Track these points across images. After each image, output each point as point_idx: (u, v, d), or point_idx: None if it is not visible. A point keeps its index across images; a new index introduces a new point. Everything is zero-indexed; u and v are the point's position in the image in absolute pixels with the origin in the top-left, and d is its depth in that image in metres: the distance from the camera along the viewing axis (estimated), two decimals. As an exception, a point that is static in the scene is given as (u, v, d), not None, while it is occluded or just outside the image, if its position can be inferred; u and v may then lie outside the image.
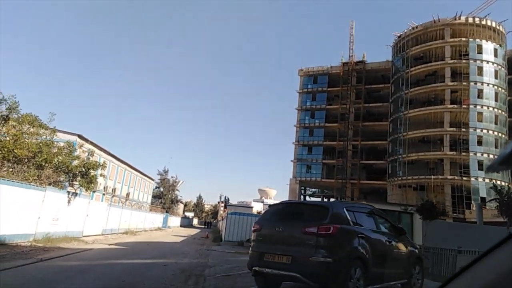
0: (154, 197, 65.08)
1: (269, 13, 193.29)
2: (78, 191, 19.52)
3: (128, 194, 43.36)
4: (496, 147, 42.27)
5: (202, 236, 34.03)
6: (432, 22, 47.67)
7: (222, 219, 36.30)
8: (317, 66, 61.90)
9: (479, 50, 44.89)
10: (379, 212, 7.70)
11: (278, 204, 8.34)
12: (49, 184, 16.54)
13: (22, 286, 7.54)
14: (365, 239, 6.50)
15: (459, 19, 45.95)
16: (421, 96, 47.62)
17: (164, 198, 69.16)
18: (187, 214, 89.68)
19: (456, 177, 41.93)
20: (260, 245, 6.97)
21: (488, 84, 44.18)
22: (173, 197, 72.66)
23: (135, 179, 47.83)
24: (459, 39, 45.62)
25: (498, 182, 33.92)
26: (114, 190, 37.52)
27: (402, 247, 7.71)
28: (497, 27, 46.00)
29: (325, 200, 53.81)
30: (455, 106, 44.22)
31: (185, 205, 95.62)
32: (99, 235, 22.84)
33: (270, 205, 8.25)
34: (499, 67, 45.06)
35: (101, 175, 21.17)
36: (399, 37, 51.57)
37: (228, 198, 68.75)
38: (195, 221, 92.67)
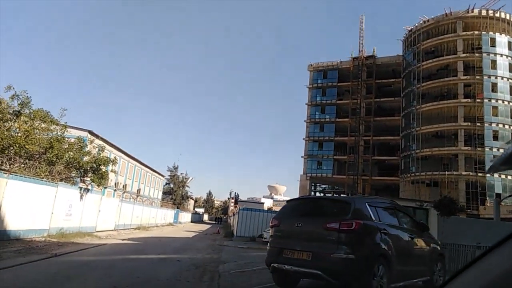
0: (164, 193, 65.38)
1: (278, 8, 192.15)
2: (89, 187, 19.55)
3: (139, 190, 43.51)
4: (513, 142, 41.46)
5: (213, 232, 34.06)
6: (444, 15, 46.80)
7: (234, 215, 36.25)
8: (326, 61, 61.34)
9: (493, 43, 43.96)
10: (401, 208, 7.44)
11: (297, 199, 8.13)
12: (61, 180, 16.55)
13: (36, 281, 7.46)
14: (388, 236, 6.24)
15: (472, 12, 45.00)
16: (433, 90, 46.83)
17: (174, 194, 69.43)
18: (197, 210, 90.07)
19: (471, 173, 41.18)
20: (278, 241, 6.77)
21: (502, 78, 43.24)
22: (183, 193, 72.92)
23: (146, 175, 47.99)
24: (472, 32, 44.69)
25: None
26: (125, 186, 37.64)
27: (424, 243, 7.45)
28: (511, 20, 44.97)
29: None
30: (469, 100, 43.40)
31: (196, 201, 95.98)
32: (112, 230, 22.95)
33: (288, 200, 8.01)
34: (513, 60, 44.05)
35: (112, 171, 21.15)
36: (410, 31, 50.76)
37: (237, 195, 68.82)
38: (206, 217, 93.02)
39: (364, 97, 56.12)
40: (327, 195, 57.48)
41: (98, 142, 21.22)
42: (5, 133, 14.61)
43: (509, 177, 36.16)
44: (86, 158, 18.61)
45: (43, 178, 15.15)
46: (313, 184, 61.26)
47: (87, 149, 19.26)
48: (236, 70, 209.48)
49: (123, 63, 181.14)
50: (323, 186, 65.16)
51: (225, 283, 8.19)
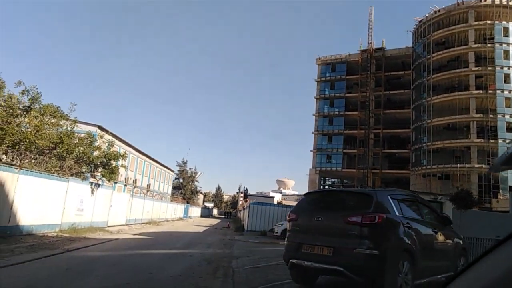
0: (174, 188, 65.57)
1: (285, 1, 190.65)
2: (100, 182, 19.52)
3: (149, 185, 43.58)
4: (527, 134, 40.72)
5: (223, 226, 34.02)
6: (455, 5, 45.86)
7: (244, 209, 36.15)
8: (334, 54, 60.72)
9: (506, 33, 43.00)
10: (423, 201, 7.15)
11: (315, 192, 7.86)
12: (71, 175, 16.52)
13: (48, 277, 7.36)
14: (411, 230, 5.96)
15: (485, 0, 44.08)
16: (444, 82, 46.14)
17: (184, 189, 69.64)
18: (207, 204, 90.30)
19: (484, 166, 40.48)
20: (297, 236, 6.52)
21: (515, 68, 42.38)
22: (193, 188, 73.11)
23: (155, 170, 48.03)
24: (484, 22, 43.73)
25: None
26: (135, 181, 37.69)
27: (448, 238, 7.16)
28: (526, 8, 43.95)
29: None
30: (481, 91, 42.63)
31: (205, 196, 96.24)
32: (123, 225, 22.99)
33: (305, 194, 7.74)
34: (527, 50, 43.11)
35: (122, 165, 21.09)
36: (420, 22, 49.93)
37: (246, 189, 68.73)
38: (215, 211, 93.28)
39: (373, 90, 55.52)
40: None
41: (107, 137, 21.13)
42: (16, 128, 14.58)
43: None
44: (96, 153, 18.56)
45: (53, 173, 15.11)
46: (322, 178, 60.93)
47: (96, 144, 19.20)
48: (242, 64, 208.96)
49: (129, 61, 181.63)
50: (332, 180, 64.76)
51: (240, 279, 7.98)
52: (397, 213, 6.01)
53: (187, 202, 60.87)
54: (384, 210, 5.83)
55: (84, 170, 18.31)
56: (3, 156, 14.41)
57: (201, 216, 66.68)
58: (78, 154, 17.34)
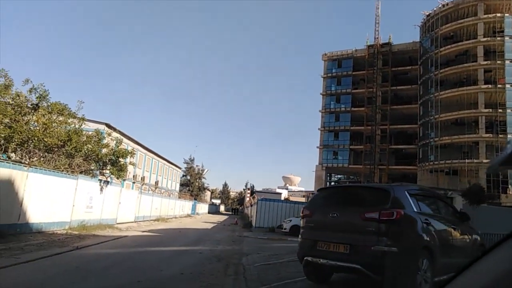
0: (181, 185, 65.66)
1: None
2: (109, 179, 19.53)
3: (157, 182, 43.62)
4: (537, 128, 40.16)
5: (231, 223, 33.96)
6: (464, -2, 45.30)
7: (251, 206, 36.09)
8: (341, 50, 60.34)
9: (516, 25, 42.41)
10: (440, 196, 6.98)
11: (330, 187, 7.73)
12: (80, 173, 16.51)
13: (58, 275, 7.31)
14: (430, 226, 5.80)
15: (494, -7, 43.48)
16: (452, 76, 45.57)
17: (191, 186, 69.75)
18: (214, 201, 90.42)
19: (492, 161, 40.04)
20: (312, 232, 6.37)
21: (525, 62, 41.76)
22: (200, 185, 73.17)
23: (163, 168, 48.07)
24: (494, 15, 43.03)
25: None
26: (143, 178, 37.74)
27: (466, 234, 6.98)
28: (537, 0, 43.30)
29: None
30: (490, 86, 42.06)
31: (212, 193, 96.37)
32: (132, 222, 23.02)
33: (319, 189, 7.56)
34: (538, 43, 42.46)
35: (130, 163, 21.11)
36: (427, 16, 49.33)
37: (253, 185, 68.69)
38: (222, 208, 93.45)
39: (380, 85, 55.08)
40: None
41: (115, 134, 21.15)
42: (24, 126, 14.58)
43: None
44: (104, 151, 18.56)
45: (63, 170, 15.11)
46: (328, 174, 60.71)
47: (105, 141, 19.20)
48: (250, 61, 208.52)
49: (136, 59, 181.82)
50: (338, 176, 64.50)
51: (252, 277, 7.86)
52: (415, 209, 5.83)
53: (195, 199, 60.93)
54: (402, 205, 5.65)
55: (93, 167, 18.32)
56: (12, 154, 14.42)
57: (209, 212, 66.76)
58: (86, 151, 17.34)
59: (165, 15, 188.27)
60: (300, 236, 6.69)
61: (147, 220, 26.39)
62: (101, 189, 18.15)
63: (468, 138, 42.73)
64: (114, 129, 25.05)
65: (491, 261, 1.25)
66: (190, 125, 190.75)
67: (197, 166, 73.81)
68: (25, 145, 14.48)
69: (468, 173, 41.24)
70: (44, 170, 13.69)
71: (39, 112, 15.56)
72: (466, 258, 6.80)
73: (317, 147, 59.17)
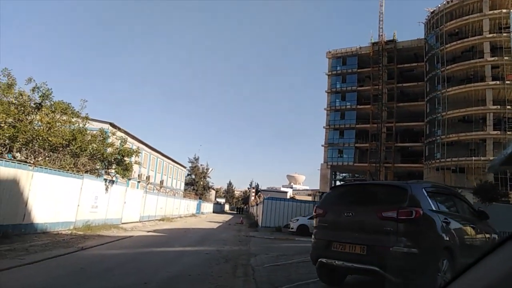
0: (186, 184, 65.56)
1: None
2: (114, 179, 19.38)
3: (161, 182, 43.48)
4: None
5: (236, 222, 33.79)
6: (469, -6, 44.80)
7: (257, 205, 35.90)
8: (345, 48, 59.95)
9: (522, 21, 41.85)
10: (458, 194, 6.69)
11: (344, 185, 7.36)
12: (86, 172, 16.37)
13: (62, 277, 7.15)
14: (450, 225, 5.55)
15: (500, -11, 42.94)
16: (458, 73, 45.08)
17: (196, 185, 69.66)
18: (218, 200, 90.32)
19: (500, 159, 39.50)
20: (325, 233, 6.10)
21: (533, 57, 41.18)
22: (205, 184, 73.06)
23: (168, 167, 47.92)
24: (499, 11, 42.46)
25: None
26: (148, 177, 37.62)
27: (485, 233, 6.71)
28: (543, -5, 42.69)
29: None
30: (498, 82, 41.48)
31: (216, 192, 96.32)
32: (137, 222, 22.89)
33: (332, 187, 7.28)
34: (545, 38, 41.87)
35: (135, 162, 20.93)
36: (432, 13, 48.91)
37: (257, 184, 68.51)
38: (227, 207, 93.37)
39: (385, 82, 54.64)
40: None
41: (119, 134, 20.99)
42: (28, 126, 14.44)
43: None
44: (109, 150, 18.41)
45: (68, 170, 14.97)
46: (333, 172, 60.39)
47: (109, 140, 19.05)
48: (254, 60, 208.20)
49: (138, 59, 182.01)
50: (343, 174, 64.17)
51: (262, 279, 7.63)
52: (433, 208, 5.58)
53: (200, 198, 60.81)
54: (420, 204, 5.38)
55: (98, 167, 18.17)
56: (18, 154, 14.28)
57: (213, 212, 66.65)
58: (91, 151, 17.19)
59: (171, 15, 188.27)
60: (313, 236, 6.43)
61: (152, 220, 26.26)
62: (106, 189, 18.00)
63: (476, 136, 42.24)
64: (119, 128, 24.92)
65: (491, 262, 1.25)
66: (192, 125, 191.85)
67: (201, 165, 73.80)
68: (30, 144, 14.34)
69: (475, 170, 40.78)
70: (49, 169, 13.55)
71: (43, 111, 15.40)
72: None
73: (322, 145, 58.87)
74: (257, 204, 36.21)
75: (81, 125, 17.22)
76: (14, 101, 14.73)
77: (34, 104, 15.28)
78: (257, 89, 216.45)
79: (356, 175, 61.43)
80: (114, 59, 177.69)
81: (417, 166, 50.19)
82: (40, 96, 15.37)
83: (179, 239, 16.39)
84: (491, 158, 39.94)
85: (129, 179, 24.66)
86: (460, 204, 6.59)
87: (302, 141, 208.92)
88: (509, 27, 41.92)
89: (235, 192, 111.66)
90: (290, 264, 9.69)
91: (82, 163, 16.29)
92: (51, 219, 13.64)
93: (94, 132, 18.45)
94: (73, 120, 16.78)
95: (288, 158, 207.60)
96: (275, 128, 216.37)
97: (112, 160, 18.49)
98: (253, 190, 64.70)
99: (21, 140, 13.91)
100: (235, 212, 77.96)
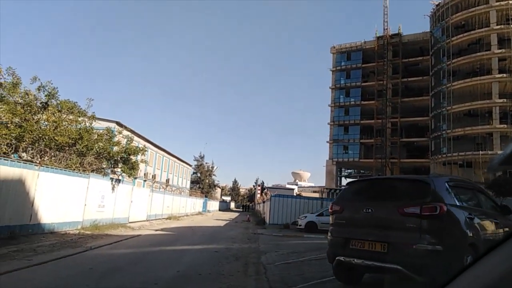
0: (192, 182, 65.55)
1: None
2: (120, 178, 19.27)
3: (167, 180, 43.40)
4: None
5: (243, 220, 33.69)
6: (475, -15, 44.29)
7: (263, 202, 35.73)
8: (349, 43, 59.49)
9: (530, 12, 41.30)
10: (480, 188, 6.44)
11: (361, 180, 7.14)
12: (92, 171, 16.25)
13: (71, 277, 7.02)
14: (474, 221, 5.34)
15: (506, -20, 42.37)
16: (464, 66, 44.63)
17: (202, 183, 69.67)
18: (224, 198, 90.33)
19: (508, 152, 39.08)
20: (343, 230, 5.90)
21: (541, 49, 40.64)
22: (210, 182, 73.05)
23: (173, 165, 47.80)
24: (506, 2, 41.93)
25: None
26: (154, 176, 37.51)
27: (508, 229, 6.50)
28: (551, -14, 42.09)
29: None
30: (504, 75, 41.11)
31: (222, 190, 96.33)
32: (144, 221, 22.80)
33: (349, 183, 7.02)
34: (553, 30, 41.31)
35: (142, 161, 20.82)
36: (437, 5, 48.49)
37: (263, 182, 68.32)
38: (232, 205, 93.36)
39: (390, 77, 54.31)
40: (348, 180, 56.19)
41: (125, 133, 20.87)
42: (34, 125, 14.34)
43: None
44: (116, 148, 18.28)
45: (74, 169, 14.85)
46: (339, 169, 60.14)
47: (115, 139, 18.93)
48: (258, 57, 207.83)
49: (141, 59, 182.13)
50: (349, 170, 63.88)
51: (274, 277, 7.45)
52: (457, 203, 5.37)
53: (206, 196, 60.78)
54: (444, 199, 5.17)
55: (104, 166, 18.06)
56: (24, 154, 14.17)
57: (220, 210, 66.66)
58: (98, 150, 17.07)
59: (175, 15, 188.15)
60: (329, 234, 6.22)
61: (159, 219, 26.19)
62: (113, 188, 17.89)
63: (482, 130, 41.92)
64: (125, 127, 24.79)
65: (491, 261, 1.23)
66: (195, 123, 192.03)
67: (206, 163, 73.74)
68: (36, 144, 14.23)
69: (482, 165, 40.40)
70: (55, 169, 13.44)
71: (49, 111, 15.29)
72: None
73: (327, 141, 58.66)
74: (263, 202, 36.03)
75: (87, 124, 17.10)
76: (20, 101, 14.61)
77: (40, 103, 15.17)
78: (260, 86, 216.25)
79: (361, 171, 61.17)
80: (113, 59, 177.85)
81: (423, 161, 49.98)
82: (46, 95, 15.26)
83: (187, 237, 16.26)
84: (499, 152, 39.45)
85: (135, 178, 24.54)
86: (483, 198, 6.36)
87: (306, 138, 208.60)
88: (516, 19, 41.43)
89: (240, 190, 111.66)
90: (302, 262, 9.51)
91: (88, 162, 16.18)
92: (58, 219, 13.55)
93: (101, 131, 18.32)
94: (79, 119, 16.67)
95: (292, 156, 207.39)
96: (279, 125, 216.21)
97: (118, 158, 18.38)
98: (259, 188, 64.44)
99: (27, 139, 13.81)
100: (241, 210, 77.87)
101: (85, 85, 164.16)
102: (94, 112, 17.57)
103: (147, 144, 33.93)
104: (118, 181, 18.56)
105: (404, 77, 54.00)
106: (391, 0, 75.12)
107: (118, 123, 24.99)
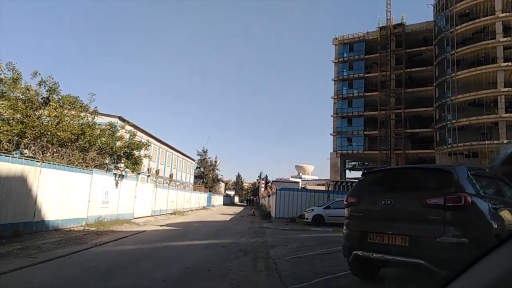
0: (196, 177, 65.47)
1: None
2: (124, 173, 19.06)
3: (171, 175, 43.26)
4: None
5: (248, 214, 33.53)
6: (480, -28, 43.53)
7: (268, 196, 35.51)
8: (352, 34, 58.91)
9: (536, -1, 40.67)
10: (502, 178, 6.14)
11: (379, 171, 6.70)
12: (95, 167, 16.05)
13: (77, 275, 6.85)
14: (498, 211, 5.06)
15: (511, -34, 41.66)
16: (469, 56, 44.05)
17: (205, 178, 69.58)
18: (228, 192, 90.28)
19: (514, 141, 38.75)
20: (360, 223, 5.62)
21: (547, 37, 40.05)
22: (214, 177, 72.93)
23: (177, 160, 47.67)
24: (512, -12, 41.41)
25: None
26: (157, 171, 37.36)
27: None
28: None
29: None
30: (510, 64, 40.53)
31: (226, 184, 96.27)
32: (149, 216, 22.68)
33: (365, 173, 6.60)
34: (560, 17, 40.67)
35: (145, 156, 20.60)
36: (441, -6, 47.76)
37: (266, 176, 68.14)
38: (236, 199, 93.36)
39: (393, 68, 53.78)
40: (353, 173, 55.84)
41: (128, 127, 20.63)
42: (36, 121, 14.12)
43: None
44: (118, 143, 18.05)
45: (76, 165, 14.63)
46: (343, 161, 59.82)
47: (118, 134, 18.69)
48: (260, 49, 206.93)
49: (135, 59, 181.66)
50: (353, 163, 63.53)
51: (285, 273, 7.19)
52: (481, 193, 5.09)
53: (209, 191, 60.64)
54: (467, 189, 4.89)
55: (107, 161, 17.84)
56: (25, 151, 13.97)
57: (224, 204, 66.58)
58: (100, 145, 16.83)
59: (175, 14, 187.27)
60: (345, 227, 5.94)
61: (164, 214, 26.04)
62: (117, 184, 17.69)
63: (487, 119, 41.51)
64: (128, 122, 24.59)
65: (491, 261, 1.23)
66: (197, 120, 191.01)
67: (209, 158, 73.57)
68: (38, 140, 14.02)
69: (488, 154, 40.00)
70: (58, 165, 13.24)
71: (51, 106, 15.06)
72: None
73: (331, 134, 58.29)
74: (268, 196, 35.82)
75: (89, 119, 16.87)
76: (21, 96, 14.38)
77: (42, 98, 14.94)
78: (262, 81, 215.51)
79: (366, 163, 60.80)
80: (114, 59, 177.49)
81: (429, 152, 49.60)
82: (47, 91, 15.04)
83: (193, 232, 16.05)
84: (505, 141, 39.15)
85: (139, 173, 24.33)
86: (506, 188, 6.07)
87: (309, 131, 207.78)
88: (523, 6, 40.79)
89: (244, 184, 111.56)
90: (313, 256, 9.27)
91: (91, 158, 15.97)
92: (62, 216, 13.38)
93: (103, 126, 18.09)
94: (81, 114, 16.44)
95: (295, 149, 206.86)
96: (281, 119, 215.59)
97: (122, 154, 18.16)
98: (263, 182, 64.24)
99: (29, 135, 13.60)
100: (245, 204, 77.77)
101: (85, 85, 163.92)
102: (96, 107, 17.34)
103: (150, 139, 33.73)
104: (122, 176, 18.36)
105: (408, 67, 53.47)
106: (393, -10, 74.53)
107: (120, 118, 24.77)
